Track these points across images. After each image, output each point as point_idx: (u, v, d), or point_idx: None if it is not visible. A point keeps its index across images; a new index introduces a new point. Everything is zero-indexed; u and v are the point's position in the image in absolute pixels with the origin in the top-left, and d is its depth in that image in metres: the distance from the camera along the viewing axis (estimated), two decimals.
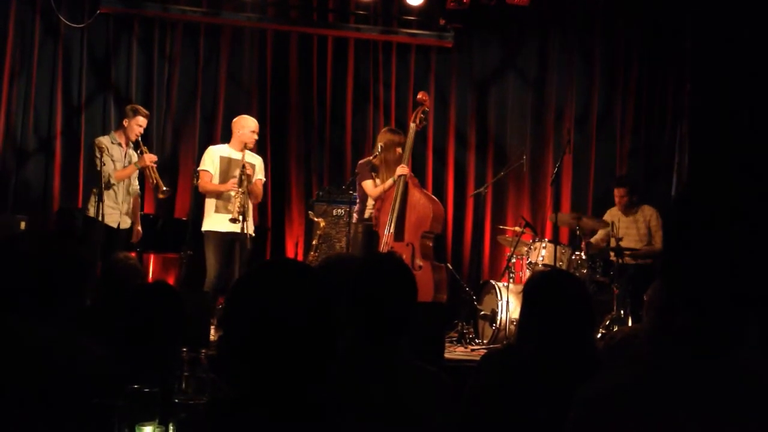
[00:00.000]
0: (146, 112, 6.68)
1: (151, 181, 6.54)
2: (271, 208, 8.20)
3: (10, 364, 2.25)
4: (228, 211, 6.12)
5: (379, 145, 6.31)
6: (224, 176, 6.27)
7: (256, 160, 6.48)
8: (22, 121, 7.69)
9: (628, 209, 7.08)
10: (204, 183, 6.32)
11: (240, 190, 6.08)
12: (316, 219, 7.15)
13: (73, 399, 2.07)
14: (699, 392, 1.23)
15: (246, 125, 6.39)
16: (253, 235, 6.39)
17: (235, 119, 6.54)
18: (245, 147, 6.33)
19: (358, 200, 6.54)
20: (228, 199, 6.18)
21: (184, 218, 7.31)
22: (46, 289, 2.55)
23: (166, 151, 7.99)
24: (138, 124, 6.52)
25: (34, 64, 7.71)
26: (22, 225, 6.72)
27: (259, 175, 6.47)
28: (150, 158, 6.48)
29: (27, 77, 7.70)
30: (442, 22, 8.33)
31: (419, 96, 6.56)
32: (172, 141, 8.05)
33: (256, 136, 6.43)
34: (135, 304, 2.68)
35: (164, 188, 6.51)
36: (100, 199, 6.24)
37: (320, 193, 7.68)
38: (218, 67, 8.18)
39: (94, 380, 2.26)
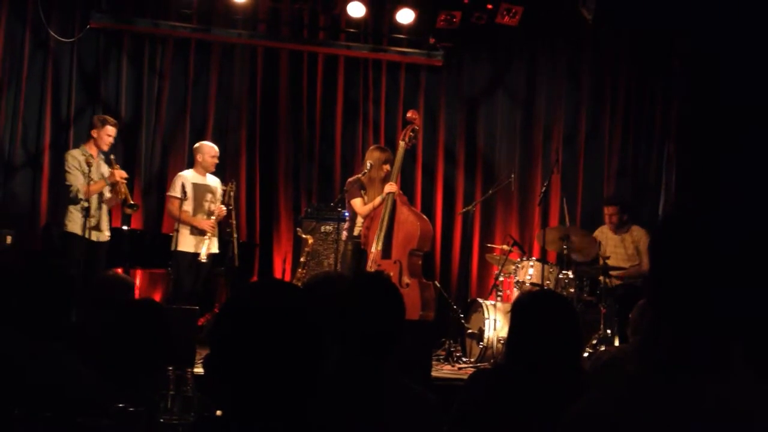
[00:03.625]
0: (114, 121, 6.66)
1: (119, 196, 6.59)
2: (260, 225, 8.19)
3: None
4: (201, 233, 6.66)
5: (368, 163, 6.33)
6: (196, 202, 6.70)
7: (217, 183, 6.93)
8: (10, 135, 7.66)
9: (619, 228, 7.10)
10: (174, 209, 6.71)
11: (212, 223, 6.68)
12: (304, 236, 7.14)
13: (58, 417, 2.05)
14: (685, 413, 1.23)
15: (207, 152, 6.86)
16: (218, 252, 6.88)
17: (196, 145, 7.00)
18: (207, 171, 6.87)
19: (347, 218, 6.55)
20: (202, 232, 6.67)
21: (172, 234, 7.28)
22: (32, 306, 2.53)
23: (155, 166, 7.98)
24: (108, 134, 6.50)
25: (23, 77, 7.68)
26: (8, 240, 6.67)
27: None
28: (120, 174, 6.52)
29: (16, 91, 7.67)
30: (432, 40, 8.36)
31: (409, 114, 6.59)
32: (161, 156, 8.04)
33: (216, 161, 6.92)
34: (121, 321, 2.66)
35: (131, 202, 6.61)
36: (88, 214, 6.21)
37: (309, 210, 7.68)
38: (208, 83, 8.18)
39: (80, 398, 2.24)
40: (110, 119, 6.61)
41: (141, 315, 2.66)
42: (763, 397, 1.25)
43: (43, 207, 7.65)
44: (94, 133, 6.51)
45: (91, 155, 6.42)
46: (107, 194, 6.54)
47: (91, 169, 6.34)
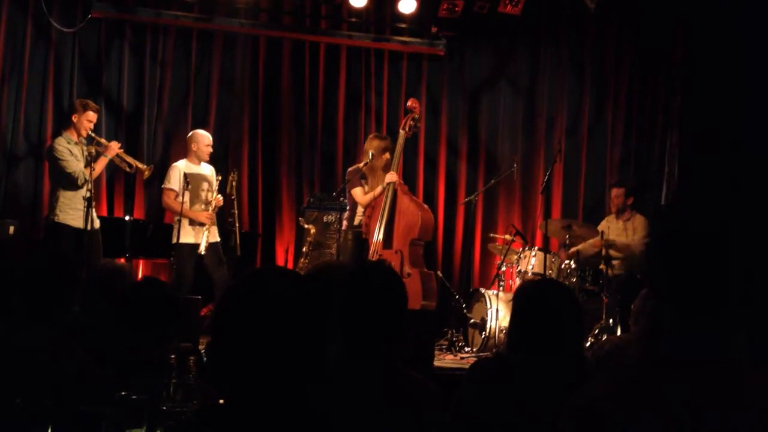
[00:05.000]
0: (96, 106, 6.48)
1: (126, 167, 6.51)
2: (262, 215, 8.19)
3: None
4: (200, 224, 6.54)
5: (370, 152, 6.33)
6: (193, 192, 6.57)
7: (211, 171, 6.82)
8: (12, 126, 7.64)
9: (621, 213, 7.09)
10: (170, 201, 6.63)
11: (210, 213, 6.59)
12: (306, 225, 7.15)
13: (61, 405, 2.06)
14: (686, 399, 1.23)
15: (201, 140, 6.73)
16: (219, 240, 6.78)
17: (189, 134, 6.88)
18: (201, 160, 6.73)
19: (348, 207, 6.55)
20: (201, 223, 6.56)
21: (174, 224, 7.28)
22: (35, 295, 2.54)
23: (157, 156, 7.97)
24: (88, 119, 6.28)
25: (25, 68, 7.67)
26: (11, 230, 6.67)
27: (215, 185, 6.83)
28: (116, 145, 6.41)
29: (18, 81, 7.66)
30: (434, 30, 8.34)
31: (409, 103, 6.59)
32: (163, 146, 8.03)
33: (210, 149, 6.79)
34: (132, 295, 2.68)
35: (145, 167, 6.53)
36: (90, 204, 6.15)
37: (311, 200, 7.68)
38: (210, 73, 8.17)
39: (82, 387, 2.25)
40: (92, 104, 6.39)
41: (150, 291, 2.67)
42: (763, 389, 1.25)
43: (46, 197, 7.63)
44: (74, 118, 6.28)
45: (75, 142, 6.29)
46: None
47: (75, 153, 6.20)
